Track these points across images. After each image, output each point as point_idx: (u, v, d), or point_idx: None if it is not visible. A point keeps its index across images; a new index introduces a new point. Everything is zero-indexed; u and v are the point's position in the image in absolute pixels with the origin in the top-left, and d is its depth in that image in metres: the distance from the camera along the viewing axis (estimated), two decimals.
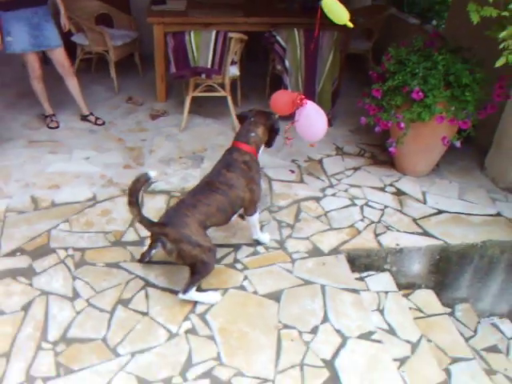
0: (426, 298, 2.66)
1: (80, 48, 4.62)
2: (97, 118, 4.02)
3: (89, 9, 4.66)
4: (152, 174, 2.12)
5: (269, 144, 2.57)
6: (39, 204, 2.98)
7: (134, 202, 2.08)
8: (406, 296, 2.70)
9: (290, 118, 2.62)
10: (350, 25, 2.53)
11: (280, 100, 2.56)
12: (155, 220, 2.21)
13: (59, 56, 3.74)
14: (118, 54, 4.52)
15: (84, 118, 4.04)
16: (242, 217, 2.60)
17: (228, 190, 2.30)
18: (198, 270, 2.17)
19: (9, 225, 2.78)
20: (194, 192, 2.33)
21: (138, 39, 4.84)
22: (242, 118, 2.56)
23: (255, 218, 2.52)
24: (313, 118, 2.50)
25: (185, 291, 2.20)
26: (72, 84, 3.88)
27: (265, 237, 2.66)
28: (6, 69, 4.79)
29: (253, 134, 2.43)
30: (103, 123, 4.00)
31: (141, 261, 2.50)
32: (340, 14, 2.49)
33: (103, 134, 3.86)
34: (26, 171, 3.32)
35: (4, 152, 3.55)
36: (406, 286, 2.76)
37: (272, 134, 2.53)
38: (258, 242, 2.65)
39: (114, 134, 3.86)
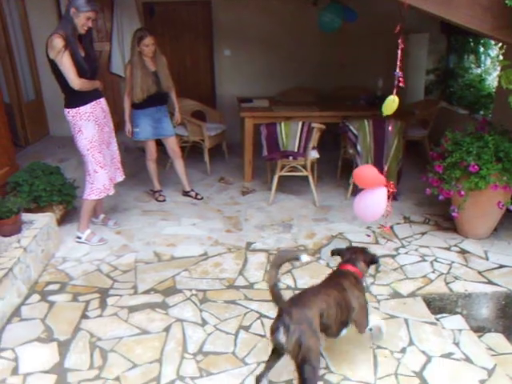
0: (497, 340, 2.86)
1: (178, 138, 5.56)
2: (196, 194, 4.80)
3: (187, 107, 5.67)
4: (303, 258, 2.24)
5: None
6: (161, 257, 3.67)
7: (277, 268, 2.10)
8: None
9: None
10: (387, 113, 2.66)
11: (366, 174, 2.80)
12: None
13: (172, 143, 4.65)
14: (211, 143, 5.45)
15: (186, 194, 4.84)
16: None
17: (342, 291, 2.34)
18: (306, 373, 2.01)
19: (140, 272, 3.47)
20: (314, 286, 2.39)
21: (226, 130, 5.79)
22: (336, 253, 2.71)
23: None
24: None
25: None
26: (179, 165, 4.73)
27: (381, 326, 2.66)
28: None
29: (359, 266, 2.55)
30: (202, 198, 4.78)
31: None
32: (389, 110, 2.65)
33: (203, 207, 4.62)
34: (145, 233, 4.07)
35: (126, 218, 4.35)
36: (477, 330, 3.07)
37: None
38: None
39: (213, 206, 4.62)
